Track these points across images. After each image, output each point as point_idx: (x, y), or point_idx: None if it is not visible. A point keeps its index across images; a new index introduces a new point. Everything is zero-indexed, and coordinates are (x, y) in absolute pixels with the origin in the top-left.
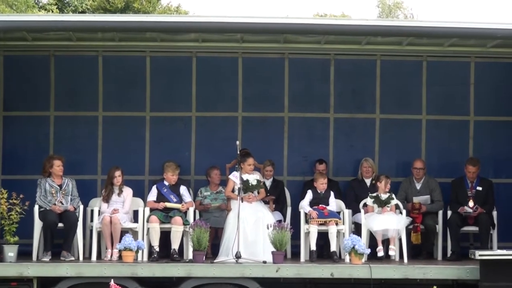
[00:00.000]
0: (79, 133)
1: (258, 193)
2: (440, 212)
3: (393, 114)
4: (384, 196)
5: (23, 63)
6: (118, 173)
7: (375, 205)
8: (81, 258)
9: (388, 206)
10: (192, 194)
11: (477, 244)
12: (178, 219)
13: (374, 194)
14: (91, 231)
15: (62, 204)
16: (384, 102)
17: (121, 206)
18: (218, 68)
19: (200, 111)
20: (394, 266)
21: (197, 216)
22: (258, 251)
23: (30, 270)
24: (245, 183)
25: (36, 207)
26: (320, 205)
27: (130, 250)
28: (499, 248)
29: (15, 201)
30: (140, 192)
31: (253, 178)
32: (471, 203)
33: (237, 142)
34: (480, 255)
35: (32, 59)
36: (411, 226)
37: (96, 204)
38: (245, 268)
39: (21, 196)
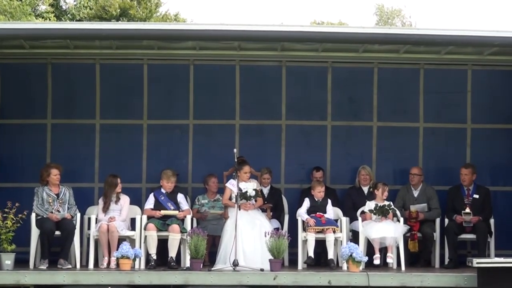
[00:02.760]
0: (76, 141)
1: (256, 201)
2: (438, 220)
3: (390, 121)
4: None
5: (20, 71)
6: (118, 180)
7: (375, 215)
8: (78, 266)
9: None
10: (189, 202)
11: (474, 252)
12: (175, 227)
13: (380, 204)
14: (88, 239)
15: (59, 212)
16: (381, 110)
17: (118, 214)
18: (216, 76)
19: (198, 119)
20: (392, 274)
21: (195, 224)
22: (256, 259)
23: (27, 278)
24: (243, 194)
25: (33, 215)
26: (317, 213)
27: (128, 258)
28: (496, 255)
29: (10, 210)
30: (137, 200)
31: (251, 187)
32: (467, 211)
33: (235, 150)
34: (477, 263)
35: (29, 67)
36: (408, 234)
37: (93, 212)
38: (242, 276)
39: (16, 204)
